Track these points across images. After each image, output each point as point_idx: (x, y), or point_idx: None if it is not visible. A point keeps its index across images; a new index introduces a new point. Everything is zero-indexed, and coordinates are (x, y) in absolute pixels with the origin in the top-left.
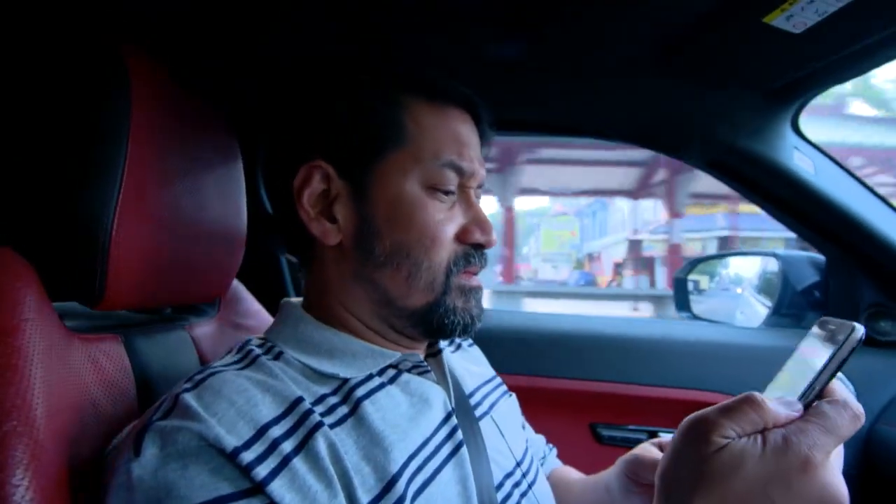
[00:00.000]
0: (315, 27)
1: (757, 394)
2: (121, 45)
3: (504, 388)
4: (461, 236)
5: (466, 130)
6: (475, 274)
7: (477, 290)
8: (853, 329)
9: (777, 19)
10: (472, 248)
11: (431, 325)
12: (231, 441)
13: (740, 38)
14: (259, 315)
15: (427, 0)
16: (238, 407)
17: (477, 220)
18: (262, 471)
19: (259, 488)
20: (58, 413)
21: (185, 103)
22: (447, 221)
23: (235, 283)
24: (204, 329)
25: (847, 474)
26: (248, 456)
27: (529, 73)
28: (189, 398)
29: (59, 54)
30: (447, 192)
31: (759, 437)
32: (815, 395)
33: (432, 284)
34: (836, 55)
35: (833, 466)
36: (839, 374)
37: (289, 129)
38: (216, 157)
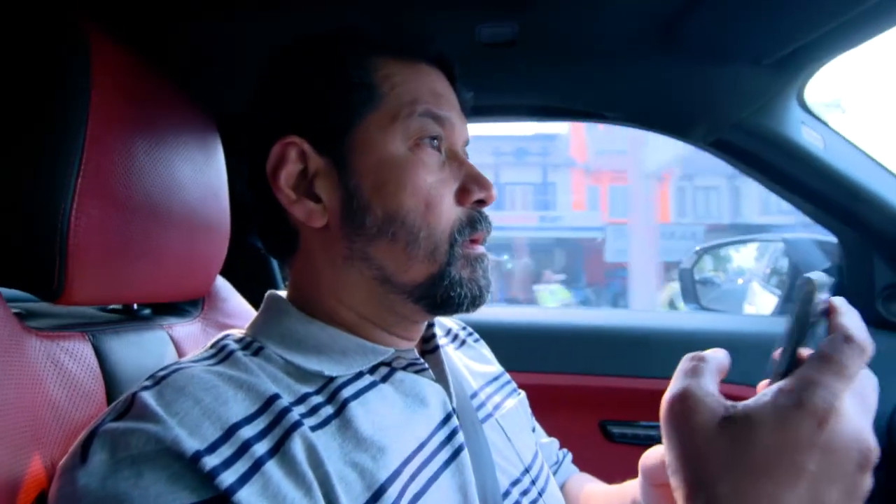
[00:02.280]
0: (301, 7)
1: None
2: (82, 21)
3: (512, 386)
4: (461, 198)
5: (441, 85)
6: (480, 241)
7: (482, 258)
8: (806, 281)
9: None
10: (475, 211)
11: (435, 299)
12: (192, 444)
13: (742, 3)
14: (246, 315)
15: None
16: (204, 405)
17: (471, 176)
18: (228, 476)
19: (225, 497)
20: (2, 414)
21: (155, 87)
22: (441, 185)
23: (220, 280)
24: (186, 329)
25: None
26: (211, 460)
27: (525, 54)
28: (147, 396)
29: (12, 27)
30: (433, 140)
31: (765, 398)
32: (787, 360)
33: (434, 254)
34: (844, 16)
35: (853, 411)
36: None
37: (257, 107)
38: (193, 142)
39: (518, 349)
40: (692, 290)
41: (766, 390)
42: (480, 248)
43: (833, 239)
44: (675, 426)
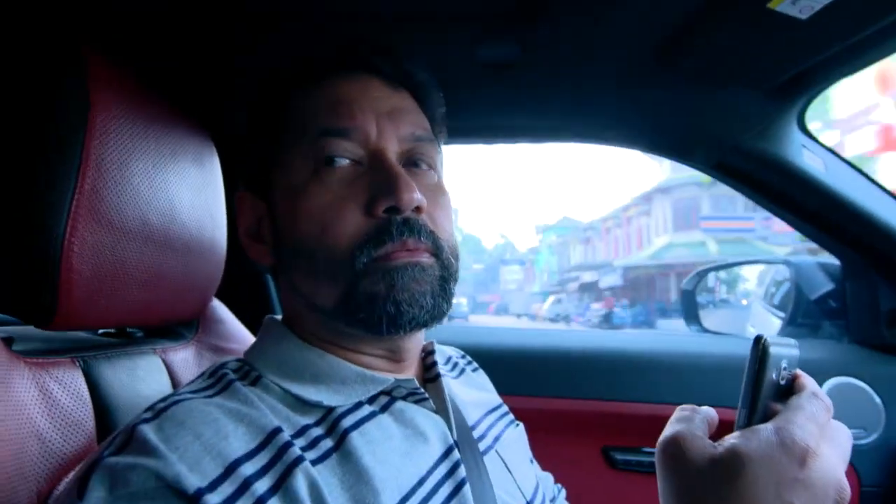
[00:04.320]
0: (299, 32)
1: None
2: (81, 43)
3: (510, 417)
4: (371, 208)
5: (349, 90)
6: (410, 250)
7: (403, 269)
8: (757, 339)
9: (782, 4)
10: (387, 221)
11: (356, 322)
12: (193, 481)
13: (742, 27)
14: (242, 338)
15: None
16: (204, 440)
17: (379, 183)
18: None
19: None
20: None
21: (153, 108)
22: (341, 202)
23: (216, 302)
24: (179, 354)
25: (876, 493)
26: (213, 499)
27: (524, 76)
28: (147, 430)
29: (11, 48)
30: (336, 160)
31: (748, 438)
32: (746, 414)
33: (335, 273)
34: (845, 42)
35: (830, 454)
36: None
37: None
38: (190, 163)
39: (517, 373)
40: (693, 312)
41: (744, 431)
42: (402, 258)
43: (836, 262)
44: (670, 466)
